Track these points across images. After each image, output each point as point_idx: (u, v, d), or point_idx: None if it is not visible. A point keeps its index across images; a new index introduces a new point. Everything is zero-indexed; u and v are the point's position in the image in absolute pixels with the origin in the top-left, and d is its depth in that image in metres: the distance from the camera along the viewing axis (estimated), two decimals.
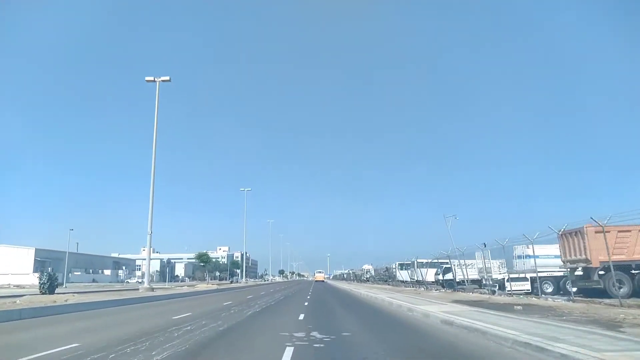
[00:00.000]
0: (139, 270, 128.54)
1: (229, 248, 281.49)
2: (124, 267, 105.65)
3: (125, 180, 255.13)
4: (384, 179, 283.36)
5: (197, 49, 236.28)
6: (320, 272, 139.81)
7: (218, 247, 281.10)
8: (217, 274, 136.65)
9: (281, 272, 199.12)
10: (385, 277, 67.10)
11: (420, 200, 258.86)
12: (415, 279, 42.56)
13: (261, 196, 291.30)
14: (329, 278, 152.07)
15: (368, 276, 69.14)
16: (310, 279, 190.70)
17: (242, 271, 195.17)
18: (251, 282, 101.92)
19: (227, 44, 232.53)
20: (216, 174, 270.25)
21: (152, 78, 38.71)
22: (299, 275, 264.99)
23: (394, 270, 52.82)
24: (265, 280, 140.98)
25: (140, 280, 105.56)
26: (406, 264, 46.74)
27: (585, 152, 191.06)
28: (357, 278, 74.15)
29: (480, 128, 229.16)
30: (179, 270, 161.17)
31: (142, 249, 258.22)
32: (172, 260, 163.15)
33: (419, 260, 42.24)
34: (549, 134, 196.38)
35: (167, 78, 38.91)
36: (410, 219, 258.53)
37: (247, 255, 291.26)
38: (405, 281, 48.51)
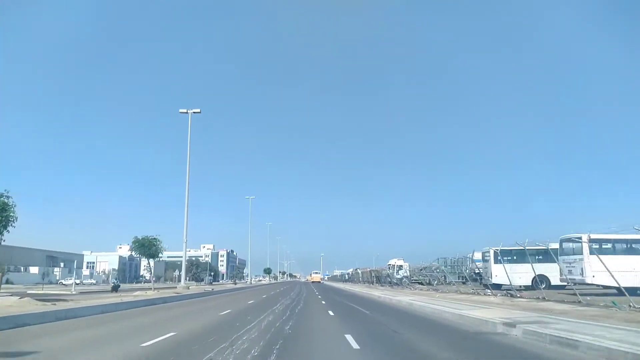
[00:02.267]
0: (90, 268, 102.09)
1: (213, 246, 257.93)
2: (62, 264, 79.36)
3: (101, 175, 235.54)
4: (380, 180, 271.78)
5: (197, 48, 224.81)
6: (316, 272, 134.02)
7: (202, 245, 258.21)
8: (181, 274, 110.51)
9: (267, 272, 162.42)
10: (428, 279, 42.23)
11: (417, 202, 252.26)
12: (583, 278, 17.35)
13: (254, 193, 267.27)
14: (324, 279, 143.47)
15: (401, 276, 44.15)
16: (302, 280, 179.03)
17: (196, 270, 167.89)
18: (206, 287, 61.62)
19: (228, 45, 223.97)
20: (207, 170, 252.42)
21: None
22: (290, 276, 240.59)
23: (474, 263, 28.03)
24: (235, 284, 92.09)
25: (77, 282, 79.14)
26: (533, 249, 21.44)
27: (583, 153, 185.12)
28: (381, 279, 48.77)
29: (478, 129, 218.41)
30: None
31: (117, 246, 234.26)
32: (136, 257, 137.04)
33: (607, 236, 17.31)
34: (548, 134, 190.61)
35: None
36: (406, 221, 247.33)
37: (234, 253, 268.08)
38: (503, 285, 23.90)
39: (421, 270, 45.07)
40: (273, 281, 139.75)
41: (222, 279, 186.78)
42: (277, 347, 8.63)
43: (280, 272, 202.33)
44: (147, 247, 33.96)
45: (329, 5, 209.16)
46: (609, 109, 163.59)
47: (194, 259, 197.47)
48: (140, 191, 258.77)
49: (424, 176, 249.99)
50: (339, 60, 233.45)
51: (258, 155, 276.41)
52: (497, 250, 25.34)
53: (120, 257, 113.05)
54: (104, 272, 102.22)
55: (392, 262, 46.89)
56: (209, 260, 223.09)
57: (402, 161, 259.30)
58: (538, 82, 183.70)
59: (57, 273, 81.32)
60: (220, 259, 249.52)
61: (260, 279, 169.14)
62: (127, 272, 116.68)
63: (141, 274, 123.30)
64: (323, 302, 25.97)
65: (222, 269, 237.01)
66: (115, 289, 38.21)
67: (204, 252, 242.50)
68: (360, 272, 72.87)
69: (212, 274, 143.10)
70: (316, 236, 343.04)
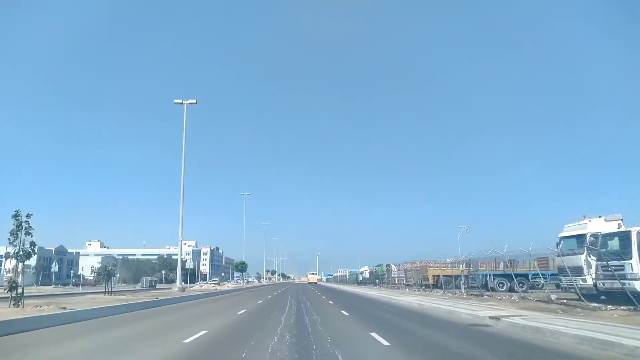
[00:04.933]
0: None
1: (195, 243, 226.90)
2: None
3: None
4: (379, 180, 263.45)
5: (196, 47, 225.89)
6: (313, 273, 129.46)
7: (183, 242, 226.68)
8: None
9: (241, 269, 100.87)
10: None
11: (416, 203, 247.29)
12: None
13: (247, 191, 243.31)
14: (322, 280, 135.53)
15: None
16: (296, 281, 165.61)
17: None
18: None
19: (226, 43, 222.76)
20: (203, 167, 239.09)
21: None
22: (283, 276, 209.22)
23: None
24: (101, 290, 27.41)
25: None
26: None
27: (582, 152, 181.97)
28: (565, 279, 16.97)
29: (477, 129, 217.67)
30: (88, 267, 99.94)
31: (87, 243, 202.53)
32: (69, 251, 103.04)
33: None
34: (546, 134, 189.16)
35: None
36: (405, 221, 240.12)
37: (220, 251, 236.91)
38: None
39: None
40: (255, 284, 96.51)
41: (205, 280, 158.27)
42: None
43: (268, 272, 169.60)
44: None
45: (329, 7, 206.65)
46: (609, 109, 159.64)
47: (165, 255, 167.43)
48: (115, 188, 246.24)
49: (422, 176, 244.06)
50: (337, 61, 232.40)
51: (253, 153, 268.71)
52: None
53: (41, 249, 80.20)
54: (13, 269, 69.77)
55: (592, 225, 15.55)
56: (190, 259, 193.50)
57: (401, 161, 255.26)
58: (538, 81, 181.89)
59: None
60: (202, 257, 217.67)
61: (220, 282, 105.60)
62: (56, 269, 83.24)
63: (79, 273, 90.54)
64: None
65: (205, 268, 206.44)
66: None
67: (183, 250, 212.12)
68: (406, 268, 41.24)
69: (181, 273, 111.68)
70: (311, 237, 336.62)
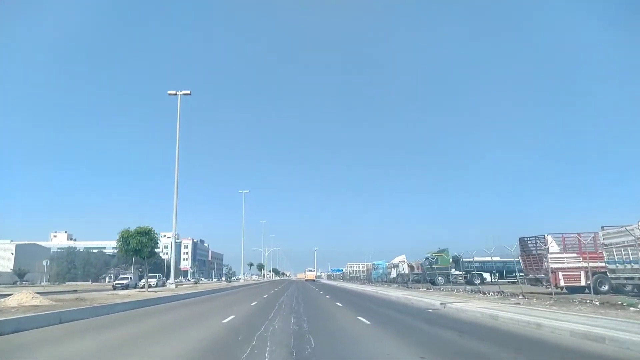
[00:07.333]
0: None
1: (177, 235, 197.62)
2: None
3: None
4: (376, 178, 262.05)
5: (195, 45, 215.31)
6: (310, 270, 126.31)
7: (162, 233, 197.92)
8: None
9: (133, 251, 30.79)
10: None
11: (413, 200, 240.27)
12: None
13: (244, 187, 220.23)
14: (321, 277, 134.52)
15: None
16: (293, 278, 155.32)
17: None
18: None
19: (225, 41, 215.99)
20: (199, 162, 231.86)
21: None
22: (277, 273, 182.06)
23: None
24: None
25: None
26: None
27: (580, 151, 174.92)
28: None
29: (476, 127, 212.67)
30: None
31: (52, 234, 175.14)
32: None
33: None
34: (545, 132, 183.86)
35: None
36: (402, 219, 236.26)
37: (205, 245, 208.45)
38: None
39: None
40: (219, 286, 52.38)
41: (185, 277, 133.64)
42: None
43: (252, 265, 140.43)
44: None
45: (331, 11, 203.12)
46: (610, 109, 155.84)
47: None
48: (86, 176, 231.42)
49: (422, 175, 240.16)
50: (335, 56, 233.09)
51: (250, 150, 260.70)
52: None
53: None
54: None
55: None
56: (171, 252, 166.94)
57: (397, 159, 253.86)
58: (536, 78, 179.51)
59: None
60: (183, 250, 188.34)
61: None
62: None
63: None
64: None
65: (186, 264, 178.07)
66: None
67: (162, 242, 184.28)
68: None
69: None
70: (308, 234, 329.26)
